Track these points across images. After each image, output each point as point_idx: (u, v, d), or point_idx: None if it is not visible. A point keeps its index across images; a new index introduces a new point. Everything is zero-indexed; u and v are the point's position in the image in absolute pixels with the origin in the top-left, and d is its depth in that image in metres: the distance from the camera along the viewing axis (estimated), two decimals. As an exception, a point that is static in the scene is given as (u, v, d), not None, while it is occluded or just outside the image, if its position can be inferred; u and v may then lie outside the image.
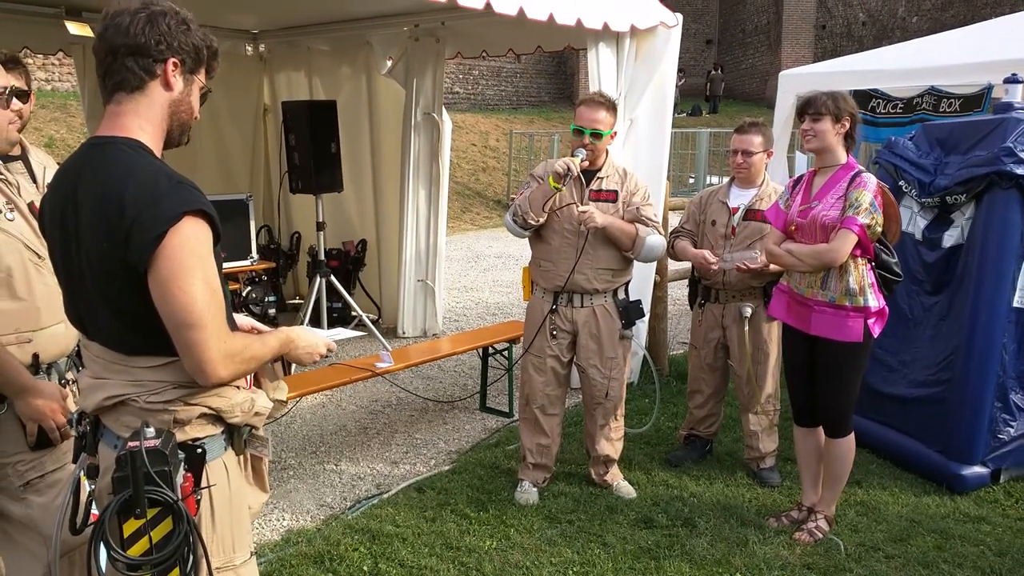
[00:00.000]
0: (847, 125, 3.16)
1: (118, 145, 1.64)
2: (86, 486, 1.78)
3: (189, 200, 1.59)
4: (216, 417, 1.72)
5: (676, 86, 25.01)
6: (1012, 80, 4.06)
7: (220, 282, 1.66)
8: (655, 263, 5.16)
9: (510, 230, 3.64)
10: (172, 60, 1.67)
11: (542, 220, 3.53)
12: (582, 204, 3.51)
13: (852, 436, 3.36)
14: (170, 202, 1.57)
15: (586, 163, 3.50)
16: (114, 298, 1.62)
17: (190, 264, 1.57)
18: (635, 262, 3.71)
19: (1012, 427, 3.78)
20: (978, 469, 3.79)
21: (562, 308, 3.63)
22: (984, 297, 3.78)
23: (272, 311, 6.60)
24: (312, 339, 1.91)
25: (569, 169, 3.40)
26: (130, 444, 1.54)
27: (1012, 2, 21.27)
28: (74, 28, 5.18)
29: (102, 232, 1.58)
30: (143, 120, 1.68)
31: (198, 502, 1.67)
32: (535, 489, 3.75)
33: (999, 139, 3.75)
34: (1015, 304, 3.76)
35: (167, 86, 1.69)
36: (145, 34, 1.63)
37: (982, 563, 3.19)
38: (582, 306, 3.62)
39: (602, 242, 3.54)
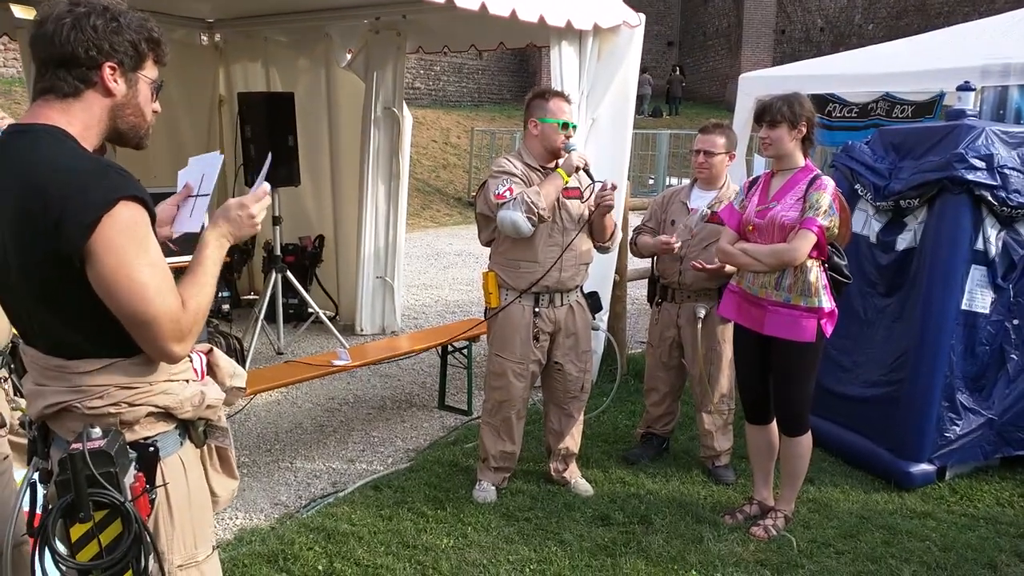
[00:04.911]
0: (804, 130, 3.20)
1: (38, 133, 1.54)
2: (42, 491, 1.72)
3: (121, 186, 1.51)
4: (166, 414, 1.67)
5: (649, 85, 24.86)
6: (965, 88, 4.15)
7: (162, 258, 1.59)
8: (615, 263, 5.19)
9: (516, 228, 3.35)
10: (108, 65, 1.56)
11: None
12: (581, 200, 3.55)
13: (809, 435, 3.41)
14: (100, 188, 1.48)
15: None
16: (50, 298, 1.54)
17: (133, 250, 1.49)
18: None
19: (958, 426, 3.87)
20: (925, 467, 3.88)
21: (544, 309, 3.59)
22: (934, 300, 3.86)
23: (226, 307, 6.47)
24: (234, 215, 1.71)
25: (587, 163, 3.46)
26: (72, 446, 1.49)
27: (964, 12, 21.88)
28: (19, 11, 5.01)
29: (27, 229, 1.49)
30: (72, 118, 1.57)
31: (152, 501, 1.62)
32: (493, 488, 3.73)
33: (951, 145, 3.84)
34: (963, 307, 3.86)
35: (107, 92, 1.58)
36: (71, 42, 1.52)
37: (928, 558, 3.27)
38: (562, 304, 3.61)
39: (583, 236, 3.57)
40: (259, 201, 1.76)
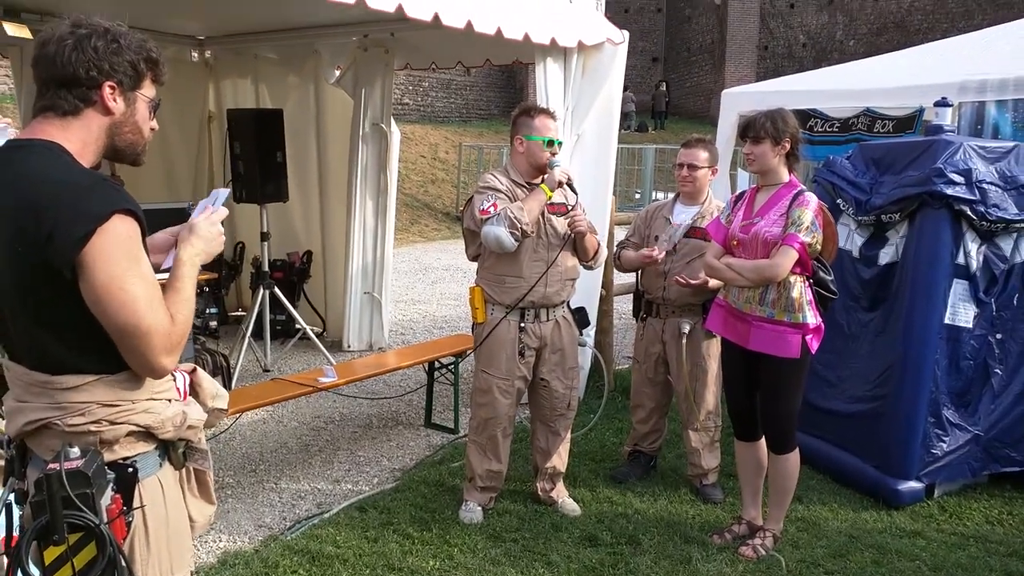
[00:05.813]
0: (787, 146, 3.22)
1: (36, 147, 1.57)
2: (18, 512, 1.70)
3: (116, 199, 1.53)
4: (147, 434, 1.65)
5: (632, 103, 25.07)
6: (942, 103, 4.19)
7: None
8: (601, 277, 5.19)
9: (499, 243, 3.36)
10: (107, 84, 1.60)
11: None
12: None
13: (797, 452, 3.40)
14: (95, 200, 1.50)
15: None
16: (41, 311, 1.54)
17: (125, 263, 1.51)
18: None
19: (945, 442, 3.87)
20: (913, 484, 3.87)
21: (529, 325, 3.58)
22: (917, 314, 3.88)
23: (214, 323, 6.43)
24: (205, 232, 1.77)
25: (570, 179, 3.49)
26: (49, 466, 1.47)
27: (943, 29, 22.18)
28: (11, 29, 4.98)
29: (20, 242, 1.50)
30: (70, 135, 1.60)
31: (128, 524, 1.60)
32: (480, 508, 3.70)
33: (930, 160, 3.87)
34: (946, 321, 3.87)
35: (106, 111, 1.62)
36: (73, 63, 1.56)
37: (917, 576, 3.26)
38: (548, 320, 3.61)
39: (569, 251, 3.58)
40: (222, 218, 1.83)
